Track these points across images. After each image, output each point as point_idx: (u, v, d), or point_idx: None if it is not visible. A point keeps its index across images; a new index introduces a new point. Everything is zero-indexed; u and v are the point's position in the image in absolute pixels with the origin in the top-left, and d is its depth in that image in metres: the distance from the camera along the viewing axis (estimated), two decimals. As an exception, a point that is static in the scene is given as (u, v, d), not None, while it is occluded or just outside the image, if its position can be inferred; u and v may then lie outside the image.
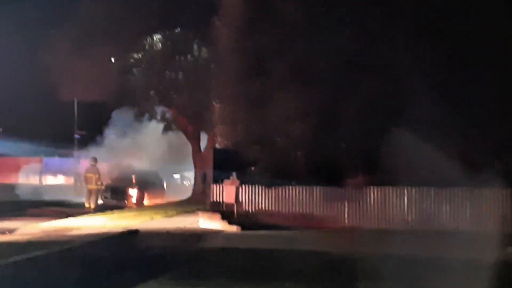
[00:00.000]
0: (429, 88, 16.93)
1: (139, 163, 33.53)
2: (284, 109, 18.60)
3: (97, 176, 24.12)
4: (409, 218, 17.39)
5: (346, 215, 17.64)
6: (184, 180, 36.84)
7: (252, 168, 18.44)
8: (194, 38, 26.80)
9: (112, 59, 27.07)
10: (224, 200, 17.77)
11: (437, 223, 17.12)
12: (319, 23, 18.43)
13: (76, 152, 41.01)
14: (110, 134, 39.66)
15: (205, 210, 18.69)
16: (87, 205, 23.62)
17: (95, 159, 24.66)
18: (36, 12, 29.80)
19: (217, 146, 20.39)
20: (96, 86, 26.28)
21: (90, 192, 23.92)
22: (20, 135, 34.28)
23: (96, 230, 15.47)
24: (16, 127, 34.64)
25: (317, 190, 17.78)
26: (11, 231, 15.82)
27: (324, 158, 18.20)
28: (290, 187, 17.87)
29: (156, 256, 12.05)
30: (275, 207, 17.81)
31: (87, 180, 24.23)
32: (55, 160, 41.86)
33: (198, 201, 24.28)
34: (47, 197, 29.14)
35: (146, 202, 30.16)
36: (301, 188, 17.82)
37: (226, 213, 17.35)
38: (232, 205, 17.51)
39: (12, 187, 33.19)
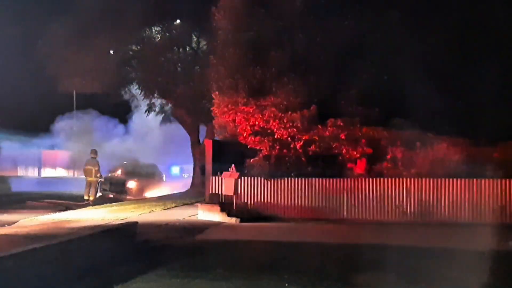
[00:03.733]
0: (428, 78, 16.91)
1: (138, 156, 33.57)
2: (283, 100, 18.57)
3: (96, 168, 24.14)
4: (408, 210, 17.38)
5: (345, 207, 17.64)
6: (183, 172, 36.83)
7: (251, 160, 18.43)
8: (192, 29, 26.73)
9: (111, 51, 27.01)
10: (223, 192, 17.75)
11: (436, 215, 17.12)
12: (318, 13, 18.38)
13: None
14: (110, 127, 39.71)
15: (204, 202, 18.69)
16: (86, 197, 23.65)
17: (95, 152, 24.65)
18: (35, 3, 29.72)
19: (216, 138, 20.37)
20: (95, 78, 26.24)
21: (89, 184, 23.95)
22: (17, 127, 34.27)
23: (95, 223, 15.48)
24: (13, 119, 34.61)
25: (316, 182, 17.77)
26: (10, 224, 15.84)
27: (323, 149, 18.21)
28: (289, 178, 17.86)
29: (155, 248, 12.05)
30: (274, 199, 17.81)
31: (86, 173, 24.25)
32: (54, 153, 41.92)
33: (197, 193, 24.29)
34: (46, 189, 29.14)
35: (145, 194, 30.20)
36: (300, 180, 17.81)
37: (225, 205, 17.34)
38: (231, 197, 17.49)
39: (11, 180, 33.21)
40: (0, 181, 31.86)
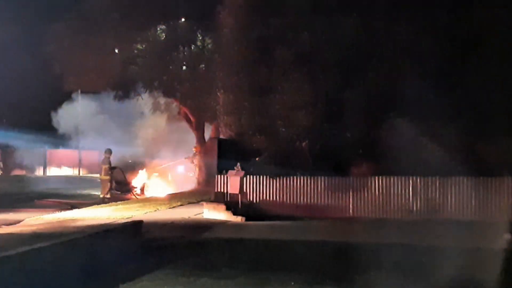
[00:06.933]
0: (435, 78, 16.84)
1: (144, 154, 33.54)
2: (288, 98, 18.53)
3: (106, 166, 24.33)
4: (414, 208, 17.33)
5: (350, 205, 17.60)
6: (189, 171, 36.77)
7: (257, 158, 18.39)
8: (198, 28, 26.73)
9: (116, 50, 27.04)
10: (229, 190, 17.74)
11: (442, 213, 17.06)
12: (323, 12, 18.31)
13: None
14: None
15: (209, 200, 18.68)
16: (101, 195, 23.90)
17: (109, 151, 24.85)
18: (40, 2, 29.78)
19: (221, 136, 20.35)
20: (100, 77, 26.28)
21: (102, 182, 24.27)
22: (22, 126, 34.33)
23: (101, 221, 15.50)
24: (18, 118, 34.68)
25: (321, 180, 17.73)
26: (16, 222, 15.86)
27: (328, 148, 18.15)
28: (295, 177, 17.82)
29: (161, 247, 12.05)
30: (279, 197, 17.77)
31: (101, 171, 24.58)
32: (59, 152, 42.00)
33: (203, 191, 24.27)
34: (52, 188, 29.17)
35: (150, 193, 30.15)
36: (305, 178, 17.77)
37: (231, 204, 17.32)
38: (236, 195, 17.48)
39: (17, 179, 33.32)
40: (18, 180, 32.05)
